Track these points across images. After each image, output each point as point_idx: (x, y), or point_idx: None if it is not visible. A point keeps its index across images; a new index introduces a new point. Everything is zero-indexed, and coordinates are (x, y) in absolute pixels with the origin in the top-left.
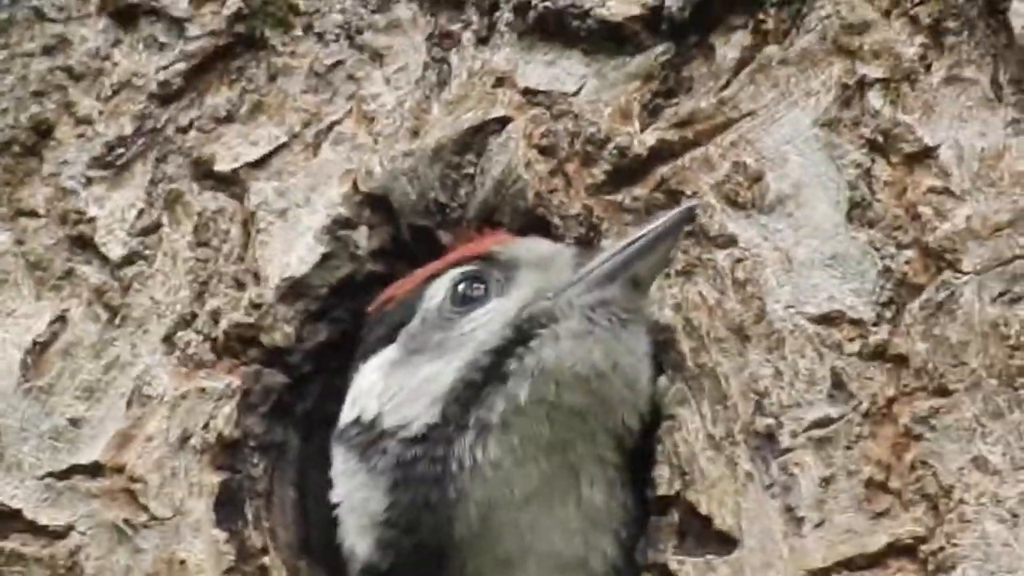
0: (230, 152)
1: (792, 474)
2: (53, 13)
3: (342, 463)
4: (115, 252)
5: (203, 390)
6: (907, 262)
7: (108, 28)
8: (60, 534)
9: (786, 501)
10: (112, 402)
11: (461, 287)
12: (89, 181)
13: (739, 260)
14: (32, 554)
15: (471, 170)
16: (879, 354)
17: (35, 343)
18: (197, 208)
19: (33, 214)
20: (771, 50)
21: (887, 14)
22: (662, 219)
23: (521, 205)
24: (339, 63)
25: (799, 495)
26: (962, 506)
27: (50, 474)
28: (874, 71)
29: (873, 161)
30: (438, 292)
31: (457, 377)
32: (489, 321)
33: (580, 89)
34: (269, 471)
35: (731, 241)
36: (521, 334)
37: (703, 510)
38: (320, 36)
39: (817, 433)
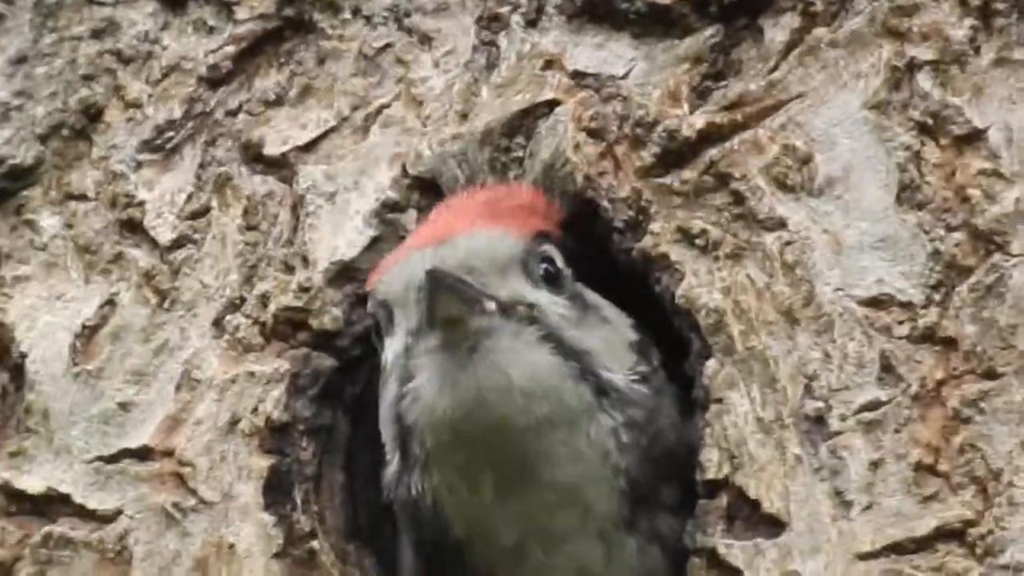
0: (279, 135)
1: (841, 457)
2: None
3: None
4: (164, 236)
5: (252, 374)
6: (956, 244)
7: (157, 11)
8: (109, 518)
9: (835, 484)
10: (161, 386)
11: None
12: (139, 165)
13: (788, 243)
14: (81, 538)
15: (520, 153)
16: (928, 337)
17: (84, 327)
18: (246, 191)
19: (82, 198)
20: (820, 32)
21: None
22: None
23: (570, 188)
24: (388, 46)
25: (848, 478)
26: (1011, 489)
27: (99, 458)
28: (923, 53)
29: (922, 143)
30: None
31: (387, 418)
32: (384, 368)
33: (629, 72)
34: (318, 455)
35: (780, 224)
36: (400, 391)
37: (752, 494)
38: (368, 19)
39: (866, 416)
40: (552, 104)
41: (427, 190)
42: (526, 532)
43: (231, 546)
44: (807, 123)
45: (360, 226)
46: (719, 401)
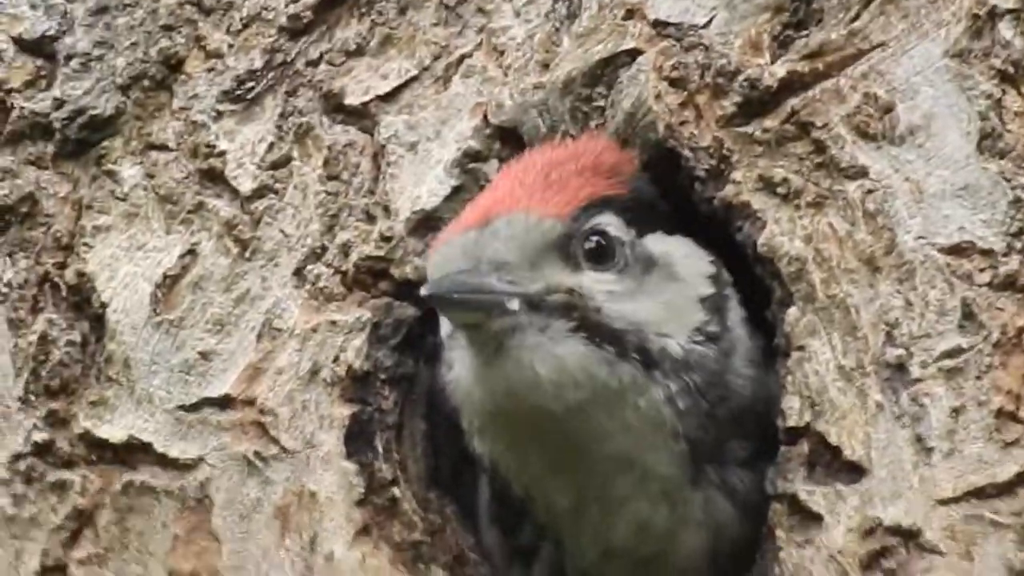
0: (360, 85)
1: (922, 404)
2: None
3: None
4: (245, 185)
5: (333, 323)
6: None
7: None
8: (190, 466)
9: (916, 431)
10: (242, 335)
11: None
12: (219, 115)
13: (869, 191)
14: (162, 486)
15: (601, 103)
16: (1009, 284)
17: (165, 276)
18: (327, 142)
19: (163, 148)
20: None
21: None
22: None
23: (652, 137)
24: None
25: (929, 425)
26: None
27: (180, 407)
28: (1004, 1)
29: (1004, 92)
30: None
31: None
32: None
33: (710, 21)
34: (399, 403)
35: (862, 172)
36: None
37: (833, 440)
38: None
39: (947, 364)
40: (634, 53)
41: (508, 139)
42: (582, 496)
43: (313, 494)
44: (888, 72)
45: (441, 175)
46: (800, 349)
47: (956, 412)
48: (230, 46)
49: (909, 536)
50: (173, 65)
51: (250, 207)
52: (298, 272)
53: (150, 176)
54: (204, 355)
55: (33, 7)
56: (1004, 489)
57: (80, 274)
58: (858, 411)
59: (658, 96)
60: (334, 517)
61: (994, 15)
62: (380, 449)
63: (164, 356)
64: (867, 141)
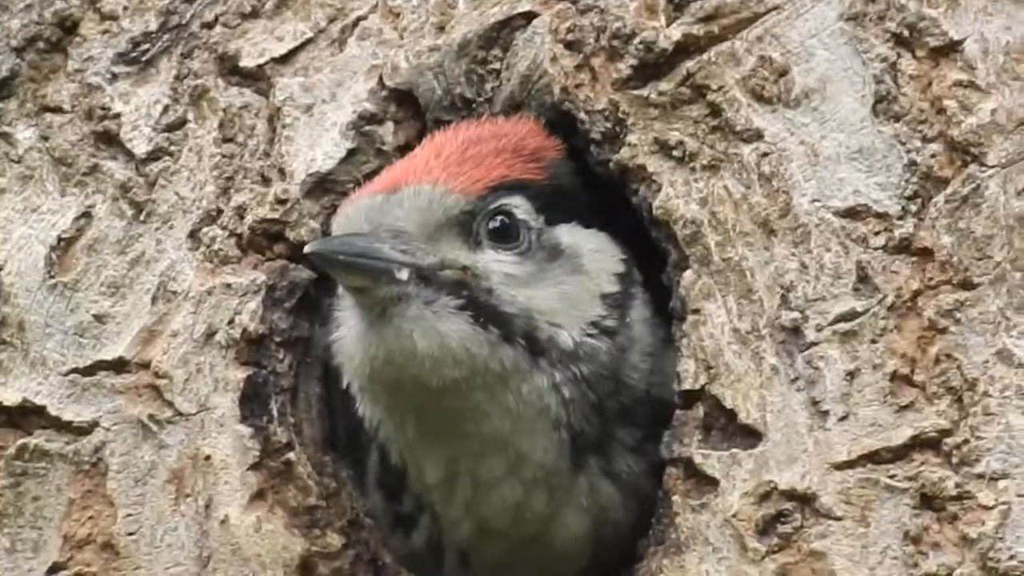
0: (255, 48)
1: (817, 368)
2: None
3: None
4: (140, 148)
5: (228, 286)
6: (932, 156)
7: None
8: (85, 430)
9: (811, 395)
10: (137, 298)
11: None
12: (114, 77)
13: (765, 154)
14: (56, 450)
15: (497, 65)
16: (904, 248)
17: (60, 239)
18: (223, 104)
19: (58, 110)
20: None
21: None
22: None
23: (547, 100)
24: None
25: (824, 389)
26: (986, 399)
27: (75, 370)
28: None
29: (899, 55)
30: None
31: None
32: None
33: None
34: (294, 367)
35: (757, 135)
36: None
37: (728, 404)
38: None
39: (842, 327)
40: (529, 16)
41: (404, 102)
42: (453, 472)
43: (207, 458)
44: (783, 35)
45: (337, 138)
46: (696, 312)
47: (851, 375)
48: (125, 8)
49: (804, 500)
50: (68, 27)
51: (145, 169)
52: (193, 235)
53: (44, 138)
54: (99, 318)
55: None
56: (899, 453)
57: None
58: (753, 374)
59: (553, 59)
60: (229, 481)
61: None
62: (275, 412)
63: (59, 319)
64: (762, 104)
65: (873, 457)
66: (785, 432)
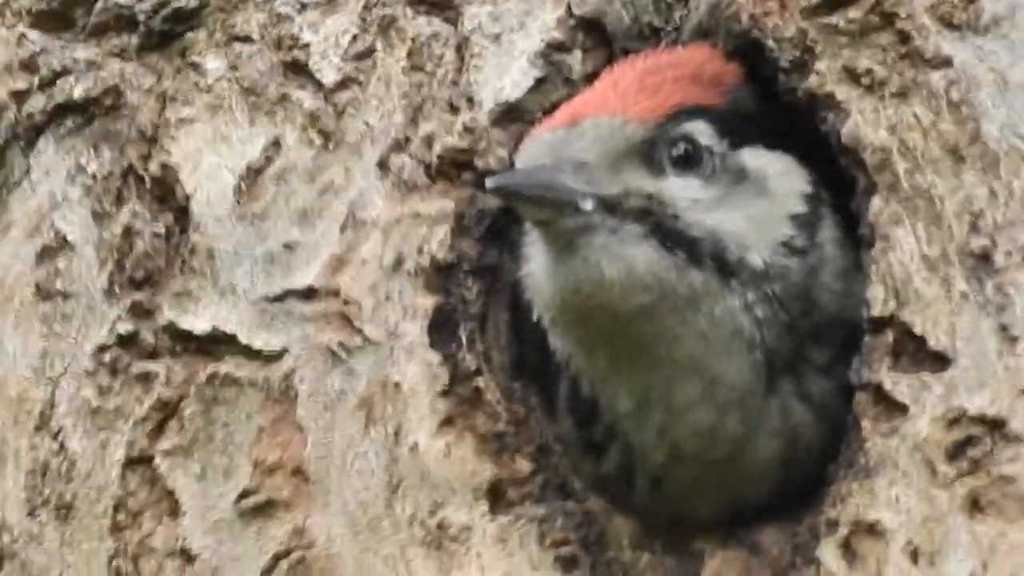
0: None
1: (1007, 294)
2: None
3: None
4: (329, 77)
5: (417, 214)
6: None
7: None
8: (274, 357)
9: (1000, 320)
10: (326, 226)
11: None
12: (303, 7)
13: (953, 82)
14: (246, 377)
15: None
16: None
17: (249, 168)
18: (411, 33)
19: (247, 40)
20: None
21: None
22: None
23: (735, 28)
24: None
25: (1014, 314)
26: None
27: (264, 298)
28: None
29: None
30: None
31: None
32: None
33: None
34: (483, 294)
35: (945, 63)
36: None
37: (917, 330)
38: None
39: None
40: None
41: (592, 31)
42: (646, 399)
43: (396, 385)
44: None
45: (525, 67)
46: (885, 238)
47: None
48: None
49: (994, 425)
50: None
51: (333, 99)
52: (382, 163)
53: (234, 68)
54: (288, 246)
55: None
56: None
57: (164, 166)
58: (943, 301)
59: None
60: (418, 407)
61: None
62: (464, 340)
63: (248, 247)
64: (951, 31)
65: None
66: (975, 358)
